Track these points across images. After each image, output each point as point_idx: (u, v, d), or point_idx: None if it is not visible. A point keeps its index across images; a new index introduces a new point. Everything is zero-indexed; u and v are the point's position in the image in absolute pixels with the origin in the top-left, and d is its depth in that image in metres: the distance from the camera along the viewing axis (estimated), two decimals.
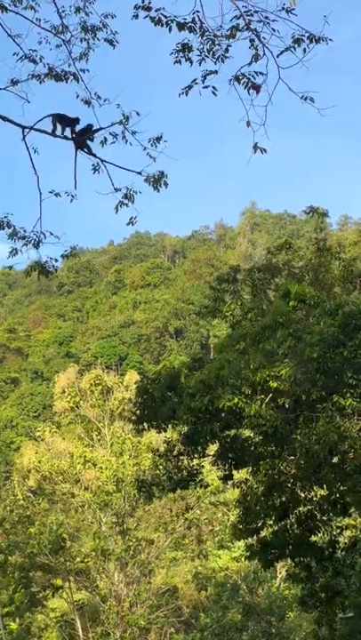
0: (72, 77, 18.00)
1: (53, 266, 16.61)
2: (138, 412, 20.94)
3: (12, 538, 46.94)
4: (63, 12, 18.07)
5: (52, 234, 16.24)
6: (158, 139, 15.55)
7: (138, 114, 15.73)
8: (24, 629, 48.23)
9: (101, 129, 15.88)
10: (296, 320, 19.62)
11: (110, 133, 15.95)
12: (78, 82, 17.84)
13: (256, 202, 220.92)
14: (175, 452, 21.65)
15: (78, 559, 47.34)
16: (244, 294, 23.42)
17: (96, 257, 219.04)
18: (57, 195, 16.40)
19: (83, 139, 15.99)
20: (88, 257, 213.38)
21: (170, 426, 20.55)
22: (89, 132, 16.05)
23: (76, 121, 16.26)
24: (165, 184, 15.59)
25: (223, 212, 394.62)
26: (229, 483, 22.62)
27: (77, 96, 16.33)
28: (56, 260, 16.63)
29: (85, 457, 47.80)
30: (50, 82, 18.16)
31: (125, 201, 15.90)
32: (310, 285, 21.88)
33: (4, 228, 16.50)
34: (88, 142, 16.07)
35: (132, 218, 16.09)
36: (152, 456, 23.42)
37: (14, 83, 18.10)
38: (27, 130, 16.14)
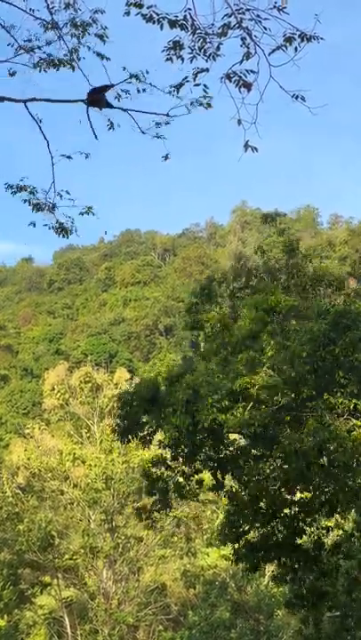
0: (69, 66, 18.09)
1: (72, 224, 16.86)
2: (122, 424, 21.03)
3: (1, 535, 46.91)
4: (53, 7, 18.14)
5: (68, 192, 16.63)
6: (181, 85, 15.39)
7: (147, 72, 15.92)
8: (12, 626, 48.16)
9: (113, 85, 16.00)
10: (274, 330, 19.64)
11: (122, 90, 16.10)
12: (74, 70, 17.90)
13: (247, 200, 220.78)
14: (168, 461, 21.76)
15: (67, 556, 47.31)
16: (221, 302, 23.47)
17: (86, 254, 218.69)
18: (69, 157, 16.69)
19: (98, 97, 16.11)
20: (78, 254, 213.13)
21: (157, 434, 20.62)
22: (104, 89, 16.23)
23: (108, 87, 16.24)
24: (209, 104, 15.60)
25: (214, 211, 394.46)
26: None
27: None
28: (73, 220, 16.89)
29: (74, 454, 47.79)
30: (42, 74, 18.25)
31: (160, 132, 15.87)
32: (284, 288, 21.98)
33: (20, 191, 16.70)
34: (104, 95, 16.28)
35: (167, 155, 16.21)
36: (142, 480, 23.42)
37: (11, 74, 18.21)
38: (29, 102, 16.42)
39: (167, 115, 15.61)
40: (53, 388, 53.22)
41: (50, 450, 49.40)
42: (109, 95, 16.11)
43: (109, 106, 15.88)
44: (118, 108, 15.95)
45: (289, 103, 13.96)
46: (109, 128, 16.20)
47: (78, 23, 17.90)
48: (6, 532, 46.82)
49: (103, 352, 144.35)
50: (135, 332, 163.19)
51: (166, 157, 16.12)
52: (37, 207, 16.56)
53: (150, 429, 20.50)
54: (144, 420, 20.44)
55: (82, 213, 16.63)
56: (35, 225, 16.85)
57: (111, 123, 16.19)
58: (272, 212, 26.87)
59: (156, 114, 15.77)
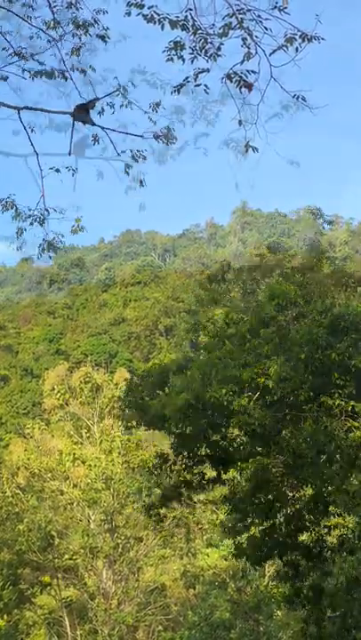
0: (61, 76, 18.24)
1: (61, 241, 16.98)
2: (127, 409, 21.04)
3: (1, 535, 46.91)
4: (55, 6, 18.23)
5: (55, 210, 16.67)
6: (157, 104, 15.76)
7: (133, 85, 16.02)
8: (12, 626, 48.15)
9: (98, 99, 16.10)
10: (281, 320, 19.69)
11: (107, 104, 16.18)
12: (66, 80, 18.05)
13: (247, 201, 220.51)
14: (170, 461, 21.84)
15: (67, 556, 47.31)
16: (234, 294, 23.50)
17: (86, 254, 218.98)
18: (57, 170, 16.79)
19: (83, 111, 16.39)
20: (78, 254, 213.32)
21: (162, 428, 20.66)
22: (91, 104, 16.46)
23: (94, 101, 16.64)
24: (175, 138, 15.94)
25: (214, 211, 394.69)
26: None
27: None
28: (63, 236, 17.00)
29: (74, 454, 47.79)
30: (39, 80, 18.38)
31: (132, 163, 16.12)
32: (300, 286, 21.94)
33: (8, 209, 16.80)
34: (89, 112, 16.54)
35: (141, 181, 16.30)
36: (147, 473, 23.62)
37: (4, 79, 18.32)
38: (22, 110, 16.56)
39: (141, 136, 15.79)
40: (53, 389, 53.25)
41: (50, 450, 49.42)
42: (96, 107, 16.40)
43: (92, 123, 16.13)
44: (98, 126, 16.16)
45: (290, 103, 14.00)
46: (94, 143, 16.37)
47: (80, 23, 18.01)
48: (6, 531, 46.83)
49: (103, 352, 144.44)
50: (135, 332, 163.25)
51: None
52: (23, 228, 16.66)
53: (157, 413, 20.42)
54: (150, 404, 20.45)
55: (73, 231, 16.76)
56: (20, 249, 16.92)
57: (96, 138, 16.37)
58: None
59: (133, 135, 15.98)
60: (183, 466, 22.13)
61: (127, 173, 16.56)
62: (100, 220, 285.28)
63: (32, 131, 16.81)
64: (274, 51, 13.92)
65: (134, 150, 16.43)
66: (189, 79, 14.79)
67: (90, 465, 47.12)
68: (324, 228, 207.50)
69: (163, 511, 24.19)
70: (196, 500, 48.07)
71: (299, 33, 13.90)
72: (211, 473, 22.49)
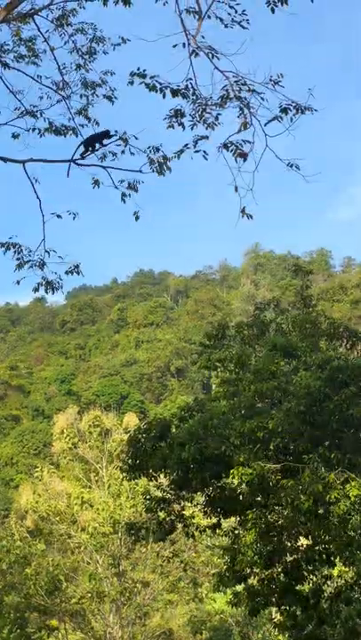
0: (71, 132, 19.01)
1: (59, 282, 17.61)
2: (130, 461, 21.50)
3: (9, 578, 46.94)
4: (64, 68, 19.02)
5: (54, 251, 17.41)
6: (157, 148, 16.61)
7: (136, 138, 16.92)
8: None
9: (103, 145, 17.18)
10: (282, 374, 20.13)
11: (110, 151, 17.21)
12: (77, 136, 18.81)
13: (260, 242, 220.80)
14: (167, 497, 22.18)
15: (74, 600, 47.22)
16: (233, 351, 23.85)
17: (99, 295, 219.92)
18: (58, 216, 17.52)
19: (93, 144, 17.26)
20: (91, 295, 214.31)
21: (162, 475, 21.09)
22: (104, 135, 17.29)
23: (106, 134, 17.37)
24: (169, 168, 16.69)
25: (227, 252, 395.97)
26: (218, 531, 23.08)
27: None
28: (61, 278, 17.62)
29: (83, 498, 47.93)
30: (50, 136, 19.16)
31: (129, 192, 17.07)
32: (300, 339, 22.38)
33: (9, 249, 17.46)
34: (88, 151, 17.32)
35: (136, 212, 17.18)
36: (143, 500, 24.04)
37: (15, 136, 19.09)
38: (27, 162, 17.36)
39: (140, 171, 16.68)
40: (62, 432, 53.45)
41: (58, 493, 49.56)
42: (97, 154, 17.23)
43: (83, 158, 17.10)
44: (99, 166, 17.04)
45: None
46: (94, 186, 17.16)
47: (88, 83, 18.79)
48: (14, 575, 46.84)
49: (115, 393, 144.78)
50: (147, 373, 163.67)
51: (136, 217, 17.14)
52: (21, 265, 17.29)
53: (157, 465, 20.85)
54: (152, 457, 20.86)
55: (67, 272, 17.39)
56: (19, 283, 17.55)
57: (96, 181, 17.17)
58: (299, 265, 27.47)
59: (130, 170, 16.81)
60: (181, 503, 22.48)
61: (123, 202, 17.33)
62: (113, 259, 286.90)
63: (36, 181, 17.59)
64: (269, 121, 14.60)
65: (132, 181, 17.30)
66: (189, 146, 15.50)
67: (98, 509, 47.24)
68: (336, 270, 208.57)
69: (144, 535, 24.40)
70: (204, 544, 48.36)
71: (293, 104, 14.59)
72: (211, 520, 22.83)
